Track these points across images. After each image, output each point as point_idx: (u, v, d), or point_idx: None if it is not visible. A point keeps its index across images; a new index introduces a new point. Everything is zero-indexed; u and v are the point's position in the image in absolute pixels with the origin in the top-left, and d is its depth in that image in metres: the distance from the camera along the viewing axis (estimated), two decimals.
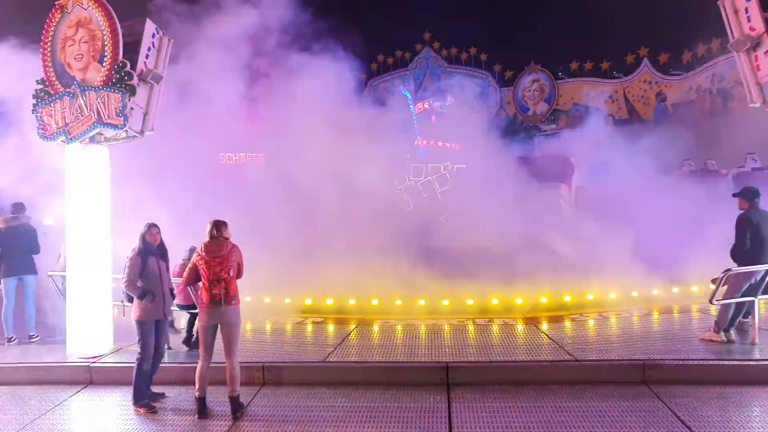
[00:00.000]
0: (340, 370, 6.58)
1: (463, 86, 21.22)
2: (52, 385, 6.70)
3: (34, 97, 7.34)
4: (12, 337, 8.07)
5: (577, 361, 6.47)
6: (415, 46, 26.64)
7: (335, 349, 7.26)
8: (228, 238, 5.75)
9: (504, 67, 25.25)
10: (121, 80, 6.96)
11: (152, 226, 6.16)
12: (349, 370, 6.58)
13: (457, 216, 12.10)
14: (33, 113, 7.32)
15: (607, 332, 7.95)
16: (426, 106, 16.47)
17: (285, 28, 11.54)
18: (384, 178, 12.06)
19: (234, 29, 10.90)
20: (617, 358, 6.57)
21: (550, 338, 7.47)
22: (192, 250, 7.63)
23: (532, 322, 8.53)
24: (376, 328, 8.52)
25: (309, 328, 8.71)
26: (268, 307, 9.63)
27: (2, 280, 8.12)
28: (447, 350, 7.09)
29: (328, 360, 6.78)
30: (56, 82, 7.26)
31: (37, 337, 8.17)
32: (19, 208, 8.40)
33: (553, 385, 6.12)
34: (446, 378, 6.30)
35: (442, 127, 15.03)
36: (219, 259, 5.56)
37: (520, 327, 8.29)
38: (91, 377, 6.77)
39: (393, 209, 11.78)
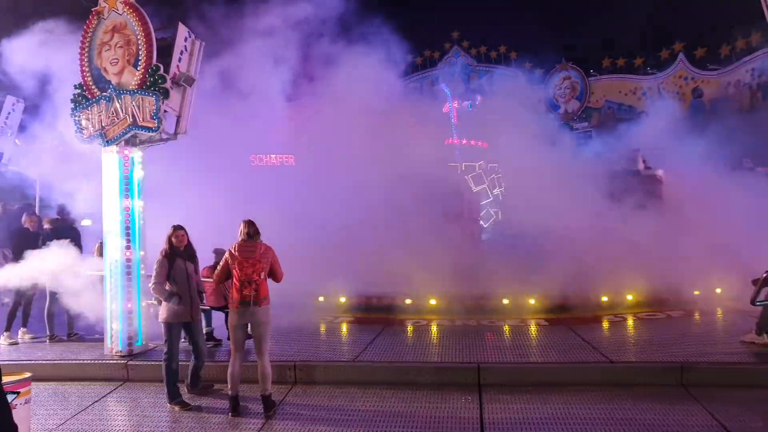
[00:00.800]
0: (371, 370, 6.58)
1: (493, 84, 21.00)
2: (91, 381, 6.87)
3: (72, 101, 7.53)
4: (53, 335, 8.30)
5: (612, 362, 6.35)
6: (443, 45, 26.50)
7: (366, 348, 7.27)
8: (260, 239, 5.79)
9: (534, 65, 24.93)
10: (154, 84, 7.09)
11: (178, 228, 6.25)
12: (380, 370, 6.58)
13: (508, 216, 11.97)
14: (71, 117, 7.52)
15: (645, 333, 7.78)
16: (456, 105, 16.39)
17: (317, 31, 11.63)
18: (424, 176, 12.00)
19: (267, 31, 11.00)
20: (653, 359, 6.42)
21: (584, 339, 7.34)
22: (217, 251, 7.75)
23: (566, 322, 8.39)
24: (407, 327, 8.51)
25: (341, 326, 8.74)
26: (323, 305, 9.68)
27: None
28: (480, 351, 7.03)
29: (358, 359, 6.79)
30: (93, 87, 7.43)
31: (75, 334, 8.39)
32: (64, 209, 8.64)
33: (586, 386, 6.01)
34: (478, 379, 6.25)
35: (480, 125, 14.91)
36: (252, 260, 5.59)
37: (553, 327, 8.17)
38: (127, 374, 6.92)
39: (433, 209, 11.70)
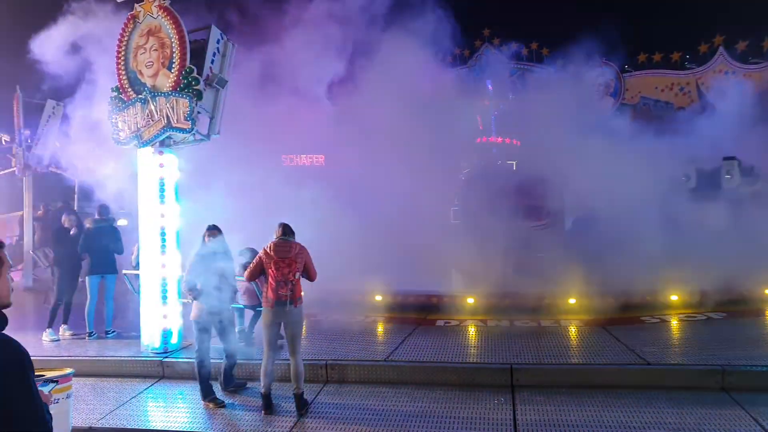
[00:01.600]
0: (403, 370, 6.56)
1: (525, 81, 20.74)
2: (128, 378, 7.02)
3: (109, 104, 7.71)
4: (92, 332, 8.51)
5: (648, 364, 6.19)
6: (474, 42, 26.26)
7: (398, 347, 7.25)
8: (294, 239, 5.83)
9: (566, 62, 24.48)
10: (188, 85, 7.20)
11: (212, 228, 6.33)
12: (411, 370, 6.55)
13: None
14: (109, 119, 7.70)
15: (684, 335, 7.58)
16: (487, 102, 16.24)
17: (349, 30, 11.65)
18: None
19: (298, 30, 11.07)
20: (692, 362, 6.24)
21: (619, 340, 7.18)
22: (250, 251, 7.82)
23: (601, 323, 8.21)
24: (439, 326, 8.45)
25: (373, 325, 8.74)
26: (355, 304, 9.68)
27: (87, 278, 8.59)
28: (513, 351, 6.94)
29: (390, 359, 6.78)
30: (129, 89, 7.60)
31: (113, 332, 8.59)
32: (104, 210, 8.87)
33: (622, 389, 5.87)
34: (510, 380, 6.17)
35: (514, 124, 14.73)
36: (288, 260, 5.62)
37: (588, 328, 8.02)
38: (163, 371, 7.05)
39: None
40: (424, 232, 10.54)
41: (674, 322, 8.23)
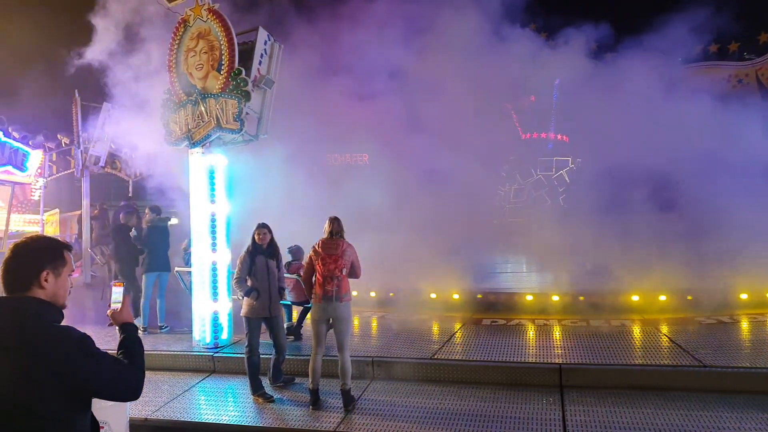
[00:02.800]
0: (449, 368, 6.53)
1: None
2: (181, 371, 7.24)
3: (162, 106, 7.96)
4: (146, 328, 8.80)
5: (705, 366, 5.96)
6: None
7: (444, 345, 7.22)
8: (343, 236, 5.88)
9: (617, 55, 23.75)
10: (237, 87, 7.35)
11: (262, 227, 6.45)
12: (458, 368, 6.52)
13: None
14: (161, 121, 7.94)
15: (744, 336, 7.27)
16: (533, 99, 16.00)
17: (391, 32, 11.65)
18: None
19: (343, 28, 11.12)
20: (753, 365, 5.98)
21: (673, 341, 6.95)
22: (293, 250, 7.93)
23: (654, 323, 7.96)
24: (486, 325, 8.37)
25: (419, 323, 8.72)
26: (403, 302, 9.69)
27: (144, 275, 8.90)
28: (562, 351, 6.82)
29: (436, 357, 6.76)
30: (180, 91, 7.81)
31: (166, 327, 8.86)
32: (157, 209, 9.17)
33: (677, 392, 5.69)
34: (559, 380, 6.07)
35: (562, 119, 14.46)
36: (334, 257, 5.69)
37: (642, 328, 7.79)
38: (214, 366, 7.24)
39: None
40: (472, 230, 10.46)
41: (733, 323, 7.89)
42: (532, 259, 10.66)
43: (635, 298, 8.61)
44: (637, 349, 6.79)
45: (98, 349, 2.19)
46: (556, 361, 6.35)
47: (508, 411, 5.52)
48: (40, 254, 2.23)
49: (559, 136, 14.88)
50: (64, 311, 2.28)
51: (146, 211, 9.19)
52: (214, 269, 7.59)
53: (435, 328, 8.32)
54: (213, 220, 7.59)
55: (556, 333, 7.76)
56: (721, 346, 6.66)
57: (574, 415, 5.31)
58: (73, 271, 2.38)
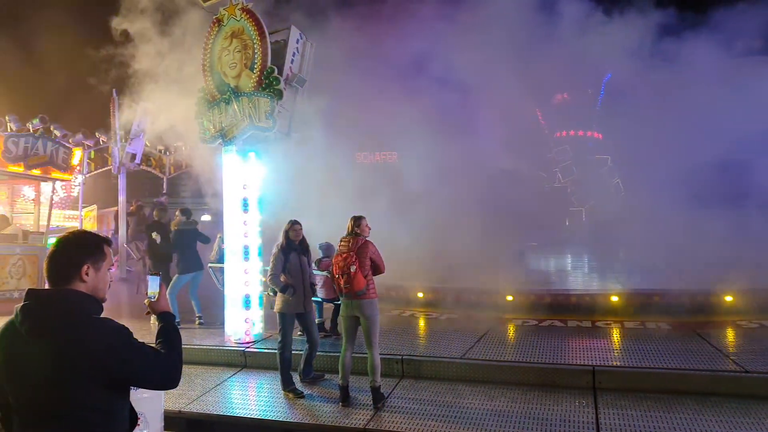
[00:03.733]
0: (479, 368, 6.47)
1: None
2: (213, 366, 7.34)
3: (196, 104, 8.08)
4: (178, 322, 8.94)
5: (747, 372, 5.78)
6: None
7: (474, 345, 7.17)
8: (361, 234, 5.89)
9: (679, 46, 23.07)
10: (269, 85, 7.42)
11: (295, 223, 6.51)
12: (489, 368, 6.45)
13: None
14: (196, 119, 8.06)
15: None
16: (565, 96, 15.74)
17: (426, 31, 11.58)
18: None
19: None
20: None
21: (713, 345, 6.75)
22: (324, 247, 7.97)
23: (692, 326, 7.75)
24: (516, 325, 8.28)
25: (449, 322, 8.69)
26: (432, 301, 9.65)
27: (177, 276, 9.04)
28: (595, 352, 6.69)
29: (466, 356, 6.71)
30: (214, 90, 7.93)
31: (202, 319, 9.01)
32: (187, 212, 9.33)
33: (717, 397, 5.52)
34: (593, 382, 5.95)
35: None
36: (345, 254, 5.76)
37: (677, 331, 7.60)
38: (245, 361, 7.32)
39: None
40: (504, 229, 10.37)
41: None
42: (575, 260, 10.50)
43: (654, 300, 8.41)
44: (675, 353, 6.61)
45: (136, 339, 2.24)
46: (589, 363, 6.24)
47: (540, 412, 5.45)
48: (80, 249, 2.29)
49: (595, 134, 14.60)
50: (103, 304, 2.34)
51: (176, 213, 9.32)
52: (246, 264, 7.67)
53: (466, 328, 8.25)
54: (244, 216, 7.67)
55: (590, 334, 7.63)
56: (764, 350, 6.44)
57: (608, 418, 5.20)
58: (112, 265, 2.44)
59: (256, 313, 7.78)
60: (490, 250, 10.25)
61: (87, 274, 2.26)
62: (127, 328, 2.23)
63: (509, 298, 9.01)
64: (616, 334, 7.58)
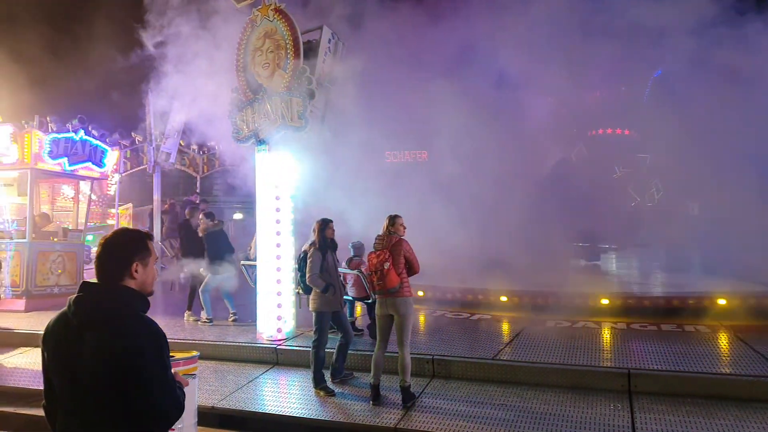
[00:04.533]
0: (511, 369, 6.40)
1: None
2: (245, 363, 7.42)
3: (229, 104, 8.18)
4: (211, 319, 9.08)
5: None
6: None
7: (506, 346, 7.10)
8: (396, 233, 5.88)
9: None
10: (301, 85, 7.47)
11: (330, 222, 6.55)
12: (520, 370, 6.38)
13: None
14: (229, 119, 8.17)
15: None
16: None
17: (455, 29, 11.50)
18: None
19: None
20: None
21: (755, 349, 6.55)
22: (356, 245, 7.98)
23: (737, 330, 7.53)
24: (549, 326, 8.16)
25: (480, 323, 8.63)
26: (464, 301, 9.58)
27: (210, 276, 9.11)
28: (631, 355, 6.56)
29: (497, 357, 6.65)
30: (247, 90, 8.02)
31: (236, 316, 9.12)
32: (211, 216, 9.45)
33: (759, 403, 5.34)
34: (628, 385, 5.83)
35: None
36: (379, 252, 5.79)
37: (719, 334, 7.40)
38: (277, 358, 7.38)
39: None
40: (538, 229, 10.24)
41: None
42: (614, 260, 10.31)
43: (721, 301, 8.16)
44: (715, 356, 6.44)
45: (168, 355, 2.25)
46: (624, 366, 6.11)
47: (574, 414, 5.36)
48: (128, 247, 2.34)
49: (618, 131, 14.30)
50: (149, 298, 2.38)
51: (201, 218, 9.44)
52: (278, 262, 7.74)
53: (498, 329, 8.19)
54: (277, 214, 7.73)
55: (624, 336, 7.48)
56: None
57: (644, 423, 5.09)
58: (157, 258, 2.49)
59: (288, 311, 7.84)
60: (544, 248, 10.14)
61: (136, 270, 2.31)
62: (164, 337, 2.24)
63: (544, 300, 8.91)
64: (651, 337, 7.41)
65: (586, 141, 13.68)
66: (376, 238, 5.93)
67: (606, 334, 7.62)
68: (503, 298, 9.29)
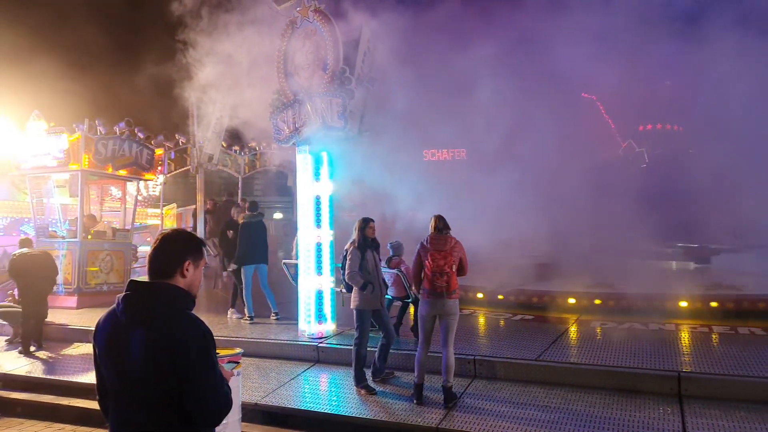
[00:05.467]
0: (555, 370, 6.29)
1: None
2: (287, 360, 7.51)
3: (270, 105, 8.30)
4: (252, 317, 9.22)
5: None
6: None
7: (549, 347, 6.98)
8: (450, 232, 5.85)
9: None
10: (341, 85, 7.52)
11: (371, 221, 6.56)
12: (565, 371, 6.26)
13: None
14: (270, 120, 8.28)
15: None
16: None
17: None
18: None
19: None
20: None
21: None
22: (395, 245, 7.98)
23: None
24: (594, 327, 8.00)
25: (523, 323, 8.52)
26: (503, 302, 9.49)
27: (243, 267, 9.34)
28: (680, 358, 6.37)
29: (541, 358, 6.54)
30: (288, 91, 8.11)
31: (278, 315, 9.25)
32: (255, 206, 9.61)
33: None
34: (678, 388, 5.65)
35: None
36: (443, 253, 5.68)
37: None
38: (318, 356, 7.45)
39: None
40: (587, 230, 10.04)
41: None
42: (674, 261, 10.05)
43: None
44: None
45: (215, 353, 2.28)
46: (674, 369, 5.92)
47: (621, 417, 5.22)
48: (184, 246, 2.41)
49: (668, 126, 13.88)
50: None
51: (244, 207, 9.61)
52: (319, 261, 7.81)
53: (541, 329, 8.05)
54: (317, 213, 7.80)
55: (674, 338, 7.27)
56: None
57: (696, 428, 4.92)
58: (206, 264, 2.54)
59: (329, 310, 7.90)
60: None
61: (187, 270, 2.37)
62: (211, 335, 2.28)
63: (597, 301, 8.74)
64: (703, 339, 7.18)
65: (636, 136, 13.34)
66: (431, 239, 5.83)
67: (653, 335, 7.41)
68: (571, 300, 9.11)
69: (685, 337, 7.34)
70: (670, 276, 10.64)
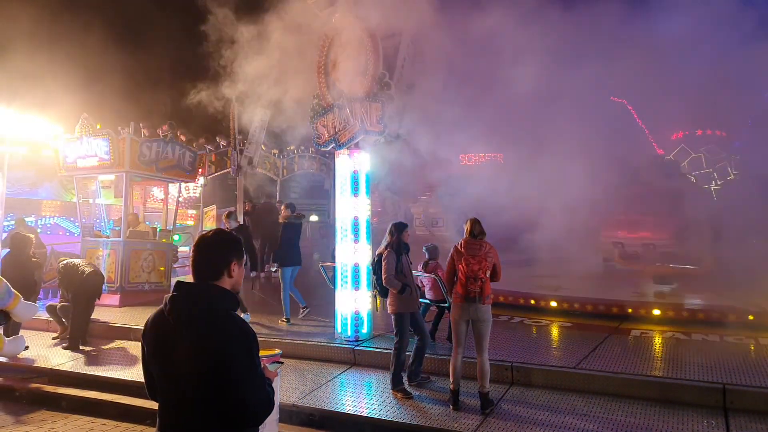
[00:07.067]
0: (594, 379, 6.20)
1: None
2: (323, 362, 7.58)
3: (311, 110, 8.41)
4: (287, 319, 9.32)
5: None
6: None
7: (588, 355, 6.88)
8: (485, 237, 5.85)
9: None
10: (380, 90, 7.58)
11: (406, 225, 6.61)
12: (604, 380, 6.16)
13: None
14: (310, 124, 8.39)
15: None
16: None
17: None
18: None
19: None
20: None
21: None
22: (430, 249, 7.98)
23: None
24: (634, 336, 7.84)
25: (561, 331, 8.41)
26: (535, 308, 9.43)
27: (281, 269, 9.46)
28: (724, 370, 6.19)
29: (579, 366, 6.46)
30: (328, 96, 8.21)
31: (307, 309, 9.34)
32: (293, 207, 9.74)
33: None
34: (723, 401, 5.51)
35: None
36: (477, 258, 5.68)
37: None
38: (354, 358, 7.50)
39: None
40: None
41: None
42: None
43: None
44: None
45: (259, 354, 2.34)
46: (719, 380, 5.77)
47: (663, 428, 5.12)
48: (228, 247, 2.48)
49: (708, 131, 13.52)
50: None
51: (282, 208, 9.77)
52: (355, 264, 7.87)
53: (580, 337, 7.93)
54: (355, 216, 7.87)
55: (718, 349, 7.06)
56: None
57: None
58: (245, 263, 2.61)
59: (365, 313, 7.95)
60: None
61: (234, 270, 2.44)
62: (254, 336, 2.34)
63: (629, 310, 8.56)
64: (749, 351, 6.96)
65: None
66: (466, 243, 5.83)
67: (696, 346, 7.23)
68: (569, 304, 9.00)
69: (729, 347, 7.13)
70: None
